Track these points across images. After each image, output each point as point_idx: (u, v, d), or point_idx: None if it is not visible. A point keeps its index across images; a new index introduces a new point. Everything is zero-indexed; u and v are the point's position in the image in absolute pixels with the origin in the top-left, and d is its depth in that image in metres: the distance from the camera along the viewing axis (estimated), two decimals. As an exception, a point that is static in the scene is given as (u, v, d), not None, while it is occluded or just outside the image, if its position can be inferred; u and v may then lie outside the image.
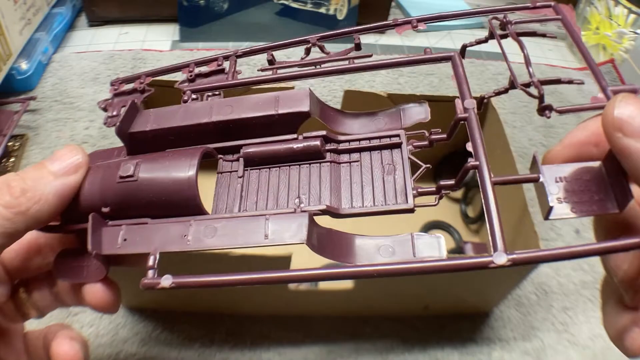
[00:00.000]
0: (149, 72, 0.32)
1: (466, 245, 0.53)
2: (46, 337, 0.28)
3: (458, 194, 0.59)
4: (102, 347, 0.43)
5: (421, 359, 0.45)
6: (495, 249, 0.18)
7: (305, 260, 0.49)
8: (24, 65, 0.65)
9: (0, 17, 0.58)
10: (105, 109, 0.31)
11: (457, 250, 0.54)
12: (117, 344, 0.44)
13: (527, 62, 0.23)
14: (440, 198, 0.23)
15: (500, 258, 0.18)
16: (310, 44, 0.29)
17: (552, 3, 0.26)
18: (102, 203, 0.25)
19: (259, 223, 0.23)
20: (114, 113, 0.30)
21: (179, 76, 0.31)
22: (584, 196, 0.20)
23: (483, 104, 0.26)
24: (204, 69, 0.31)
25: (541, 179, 0.20)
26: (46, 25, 0.73)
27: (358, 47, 0.29)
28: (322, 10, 0.84)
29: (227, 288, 0.23)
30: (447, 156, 0.59)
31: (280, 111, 0.25)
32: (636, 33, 0.80)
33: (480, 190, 0.20)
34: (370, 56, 0.28)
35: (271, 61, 0.29)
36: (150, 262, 0.23)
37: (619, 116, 0.18)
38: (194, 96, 0.29)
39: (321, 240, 0.22)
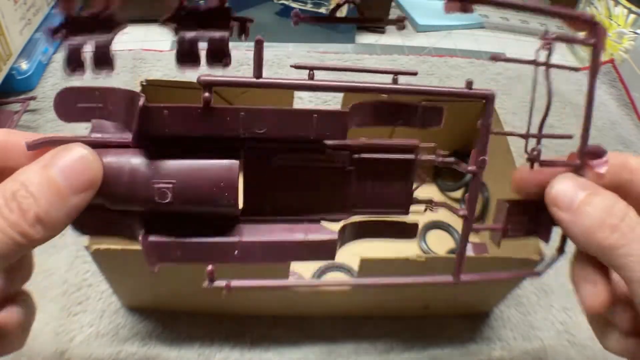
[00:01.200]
0: None
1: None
2: None
3: (458, 194, 0.59)
4: (102, 346, 0.43)
5: (421, 359, 0.45)
6: (458, 274, 0.26)
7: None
8: (24, 65, 0.66)
9: (1, 17, 0.59)
10: (55, 37, 0.23)
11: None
12: (117, 344, 0.44)
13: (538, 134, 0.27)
14: (428, 209, 0.28)
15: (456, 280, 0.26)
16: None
17: (598, 24, 0.25)
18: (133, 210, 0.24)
19: (295, 239, 0.25)
20: (77, 48, 0.24)
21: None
22: (523, 226, 0.27)
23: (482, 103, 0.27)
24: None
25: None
26: (46, 25, 0.73)
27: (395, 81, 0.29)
28: (322, 10, 0.84)
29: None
30: (447, 156, 0.59)
31: (316, 135, 0.25)
32: (636, 33, 0.80)
33: (461, 234, 0.27)
34: (415, 74, 0.27)
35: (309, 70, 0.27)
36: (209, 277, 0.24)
37: (554, 195, 0.25)
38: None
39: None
